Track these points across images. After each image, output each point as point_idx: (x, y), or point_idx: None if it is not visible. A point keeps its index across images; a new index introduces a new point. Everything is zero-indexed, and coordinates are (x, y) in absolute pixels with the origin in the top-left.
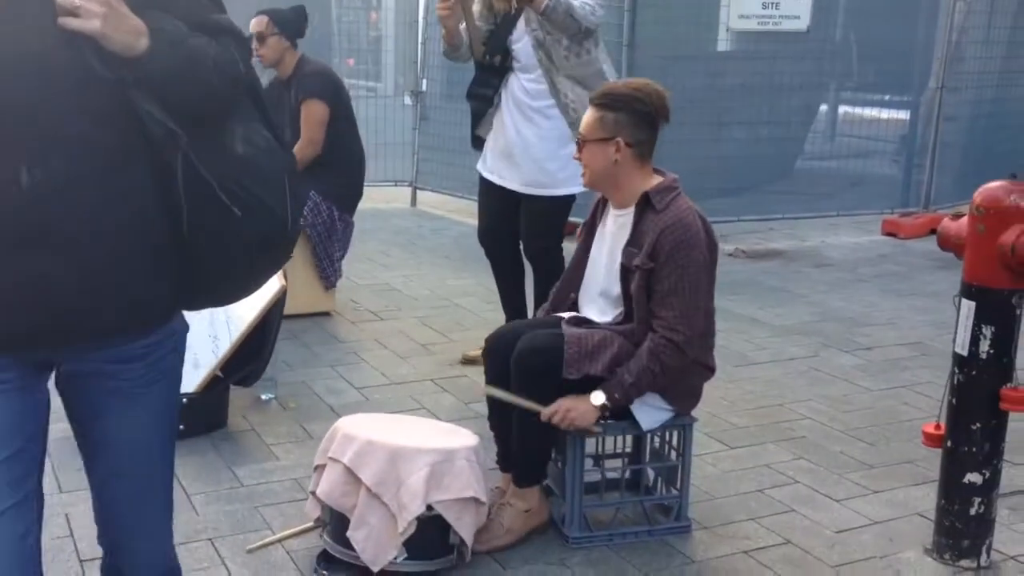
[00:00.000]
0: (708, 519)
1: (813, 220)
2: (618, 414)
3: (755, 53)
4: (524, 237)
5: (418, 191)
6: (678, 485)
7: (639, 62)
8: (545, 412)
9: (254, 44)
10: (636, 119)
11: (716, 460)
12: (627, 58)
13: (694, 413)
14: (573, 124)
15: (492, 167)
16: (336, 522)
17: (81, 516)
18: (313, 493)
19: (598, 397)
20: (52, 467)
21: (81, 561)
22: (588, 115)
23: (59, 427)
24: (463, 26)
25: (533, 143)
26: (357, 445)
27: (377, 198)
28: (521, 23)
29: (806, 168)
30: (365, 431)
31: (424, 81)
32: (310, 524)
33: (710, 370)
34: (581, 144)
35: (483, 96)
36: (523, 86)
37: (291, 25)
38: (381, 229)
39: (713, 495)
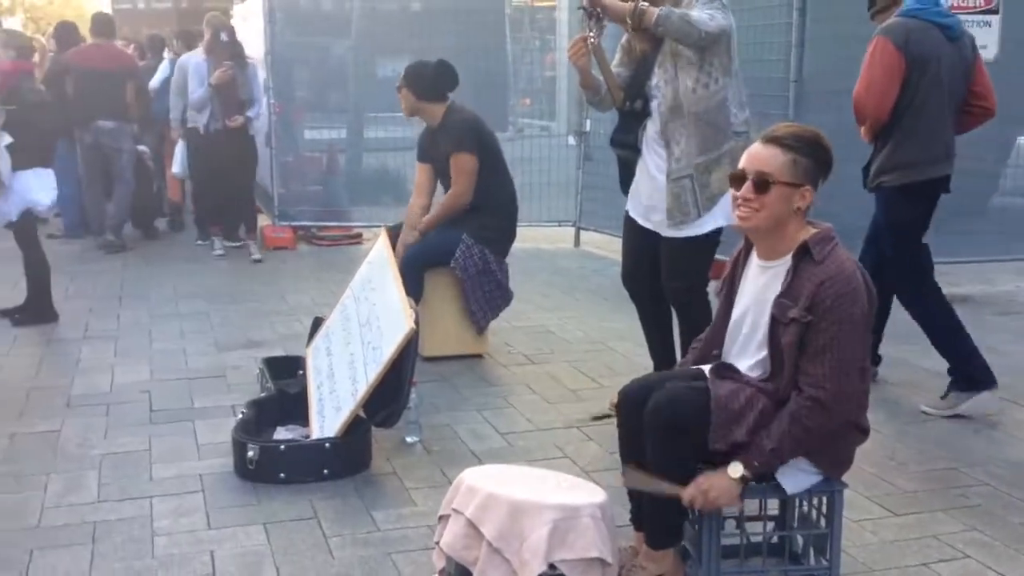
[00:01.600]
0: None
1: (1006, 263)
2: (761, 476)
3: None
4: (664, 280)
5: (582, 231)
6: (827, 556)
7: (807, 97)
8: (685, 496)
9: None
10: (822, 168)
11: (877, 527)
12: (794, 93)
13: (855, 473)
14: (668, 175)
15: (634, 207)
16: (460, 575)
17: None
18: (437, 543)
19: (736, 469)
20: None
21: None
22: (775, 154)
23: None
24: (595, 71)
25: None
26: (479, 498)
27: (540, 238)
28: (657, 70)
29: (1001, 206)
30: (488, 484)
31: (588, 121)
32: None
33: (863, 432)
34: (764, 183)
35: (627, 143)
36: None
37: (418, 82)
38: (543, 269)
39: (871, 567)
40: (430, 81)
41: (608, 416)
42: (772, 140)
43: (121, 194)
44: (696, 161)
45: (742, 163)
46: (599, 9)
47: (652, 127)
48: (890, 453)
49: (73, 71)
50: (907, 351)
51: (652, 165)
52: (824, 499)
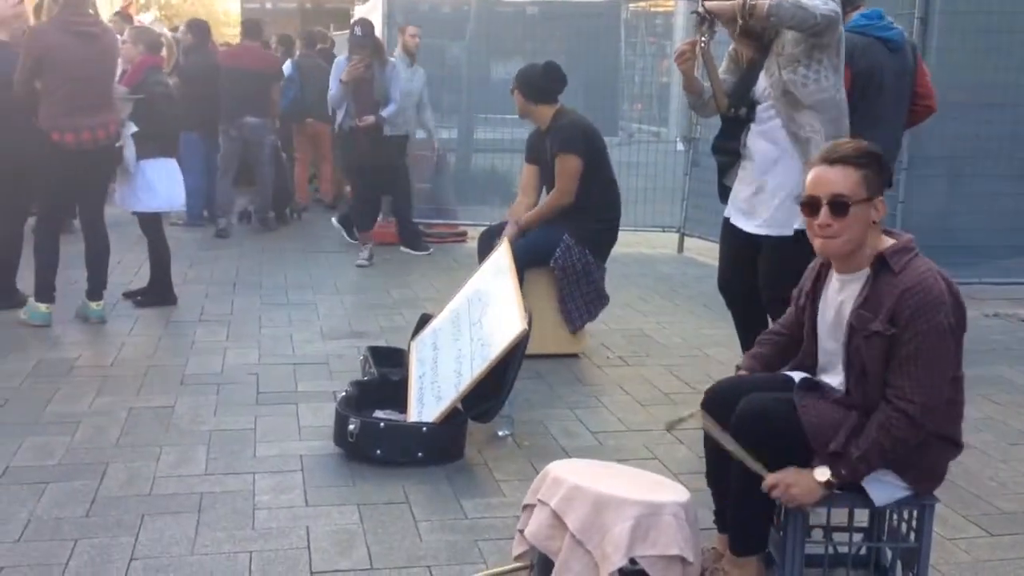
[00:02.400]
0: None
1: None
2: (849, 484)
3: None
4: (762, 285)
5: (686, 237)
6: (915, 571)
7: None
8: (768, 481)
9: None
10: (886, 178)
11: (971, 547)
12: None
13: (952, 492)
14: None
15: (733, 210)
16: (542, 564)
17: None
18: (521, 532)
19: (823, 473)
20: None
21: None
22: (848, 173)
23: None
24: (701, 75)
25: (780, 180)
26: (564, 490)
27: (643, 243)
28: (763, 76)
29: None
30: (574, 476)
31: (698, 127)
32: (519, 565)
33: (956, 446)
34: (842, 205)
35: (729, 149)
36: (763, 131)
37: (527, 85)
38: (644, 275)
39: None
40: (538, 84)
41: (683, 420)
42: (840, 160)
43: (264, 183)
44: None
45: (811, 189)
46: (711, 14)
47: (755, 134)
48: (992, 473)
49: (223, 70)
50: (1017, 371)
51: (754, 169)
52: (915, 512)
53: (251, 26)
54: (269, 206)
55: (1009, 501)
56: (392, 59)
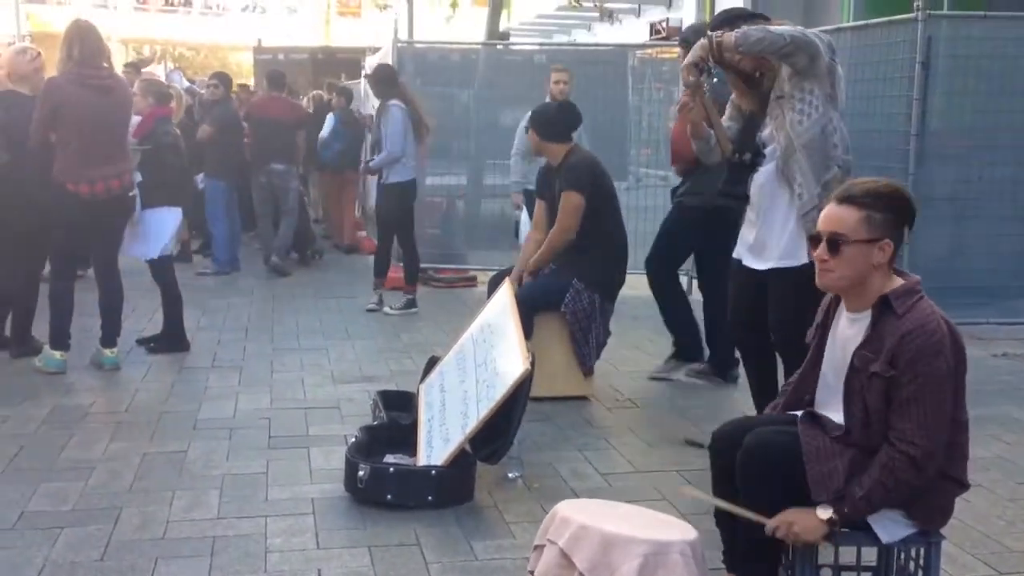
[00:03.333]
0: None
1: None
2: (855, 523)
3: None
4: (772, 326)
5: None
6: None
7: (929, 151)
8: (769, 525)
9: None
10: (903, 219)
11: None
12: (915, 147)
13: (960, 530)
14: (800, 209)
15: (741, 250)
16: None
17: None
18: (531, 573)
19: (825, 511)
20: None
21: None
22: (849, 213)
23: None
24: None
25: (786, 215)
26: (572, 529)
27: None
28: (768, 120)
29: None
30: (582, 515)
31: None
32: None
33: (960, 485)
34: (835, 243)
35: (736, 194)
36: (769, 172)
37: (541, 123)
38: (653, 317)
39: None
40: (552, 122)
41: (700, 446)
42: (845, 199)
43: (287, 225)
44: (816, 191)
45: (819, 224)
46: (703, 62)
47: (766, 177)
48: (1000, 512)
49: (251, 119)
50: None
51: (761, 209)
52: (922, 550)
53: (276, 77)
54: (290, 247)
55: (1018, 540)
56: (393, 103)
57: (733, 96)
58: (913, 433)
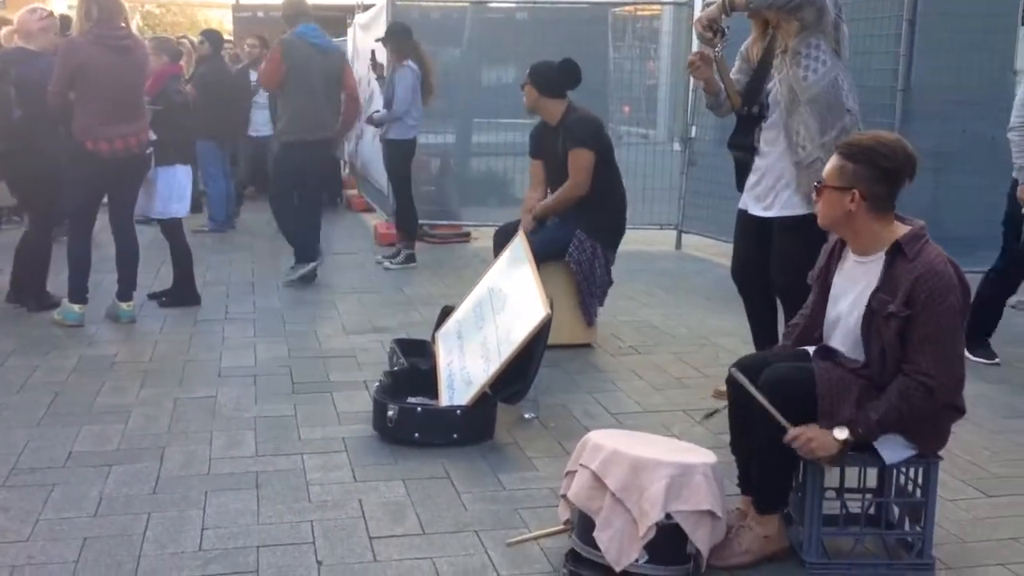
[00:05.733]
0: (954, 560)
1: None
2: (860, 446)
3: None
4: (774, 272)
5: (683, 234)
6: (922, 523)
7: (915, 106)
8: (790, 433)
9: None
10: (877, 173)
11: (971, 506)
12: (901, 102)
13: (950, 460)
14: (799, 164)
15: (748, 199)
16: (583, 524)
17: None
18: (564, 496)
19: (841, 432)
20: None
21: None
22: (831, 162)
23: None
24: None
25: (790, 164)
26: (604, 454)
27: (642, 240)
28: (774, 75)
29: None
30: (612, 442)
31: (694, 128)
32: (562, 527)
33: (959, 412)
34: (820, 188)
35: (744, 145)
36: (774, 125)
37: (543, 80)
38: (645, 270)
39: (963, 538)
40: (553, 78)
41: (718, 411)
42: (838, 147)
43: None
44: (821, 141)
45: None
46: (716, 23)
47: (770, 128)
48: (986, 443)
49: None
50: (1005, 352)
51: (768, 160)
52: (920, 471)
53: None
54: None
55: (1002, 467)
56: (409, 63)
57: (742, 48)
58: (929, 366)
